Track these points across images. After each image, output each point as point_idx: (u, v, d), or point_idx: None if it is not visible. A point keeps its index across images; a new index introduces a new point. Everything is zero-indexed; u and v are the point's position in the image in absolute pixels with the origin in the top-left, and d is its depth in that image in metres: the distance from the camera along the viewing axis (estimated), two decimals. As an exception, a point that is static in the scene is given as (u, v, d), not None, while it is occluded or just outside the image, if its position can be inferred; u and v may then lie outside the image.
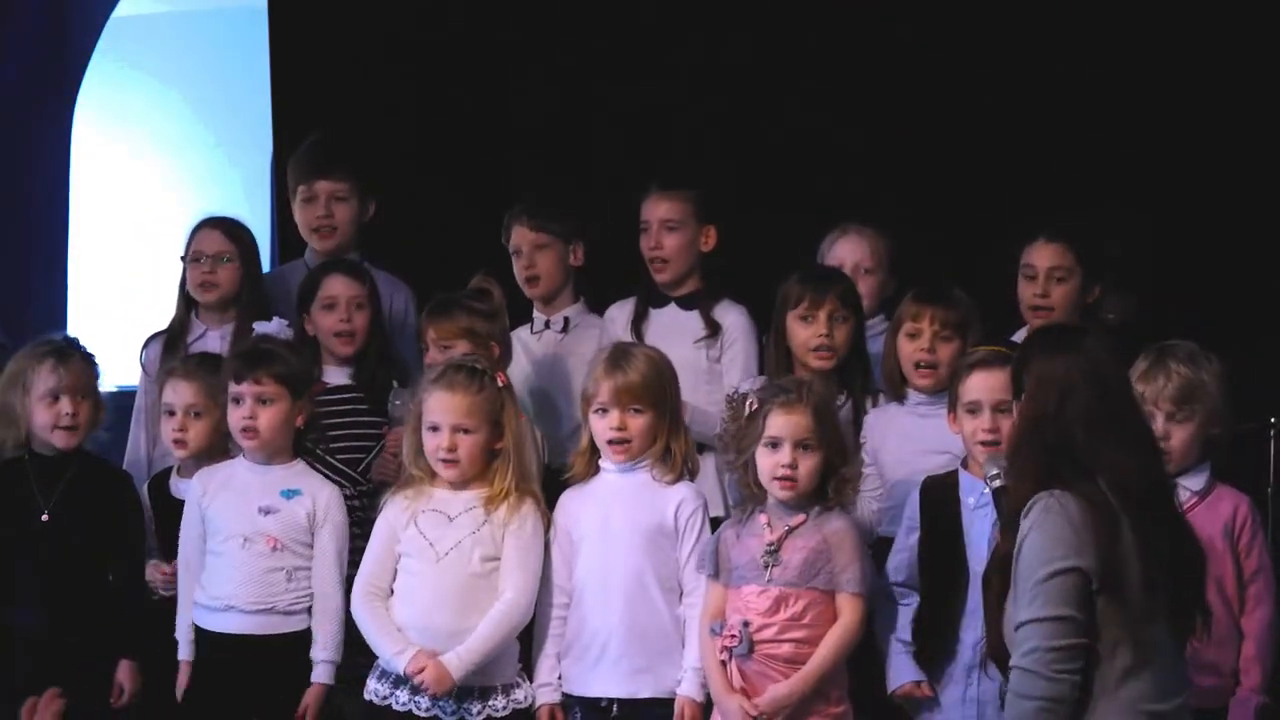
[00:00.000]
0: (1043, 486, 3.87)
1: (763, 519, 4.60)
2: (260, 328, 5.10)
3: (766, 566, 4.54)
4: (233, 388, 4.95)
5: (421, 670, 4.62)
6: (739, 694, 4.53)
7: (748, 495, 4.64)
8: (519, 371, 5.67)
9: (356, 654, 4.94)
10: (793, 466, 4.53)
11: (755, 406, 4.60)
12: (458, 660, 4.64)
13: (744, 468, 4.62)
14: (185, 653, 4.98)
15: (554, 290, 5.75)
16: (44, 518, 5.05)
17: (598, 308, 5.75)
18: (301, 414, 4.99)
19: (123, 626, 5.08)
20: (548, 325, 5.75)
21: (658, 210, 5.57)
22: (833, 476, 4.57)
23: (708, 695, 4.65)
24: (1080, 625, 3.79)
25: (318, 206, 5.75)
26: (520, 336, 5.73)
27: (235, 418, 4.95)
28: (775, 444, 4.54)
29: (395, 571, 4.78)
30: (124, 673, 5.08)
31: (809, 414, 4.54)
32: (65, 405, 5.06)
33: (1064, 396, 3.91)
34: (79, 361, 5.11)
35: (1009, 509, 3.97)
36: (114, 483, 5.20)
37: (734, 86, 6.54)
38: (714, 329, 5.50)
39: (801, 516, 4.57)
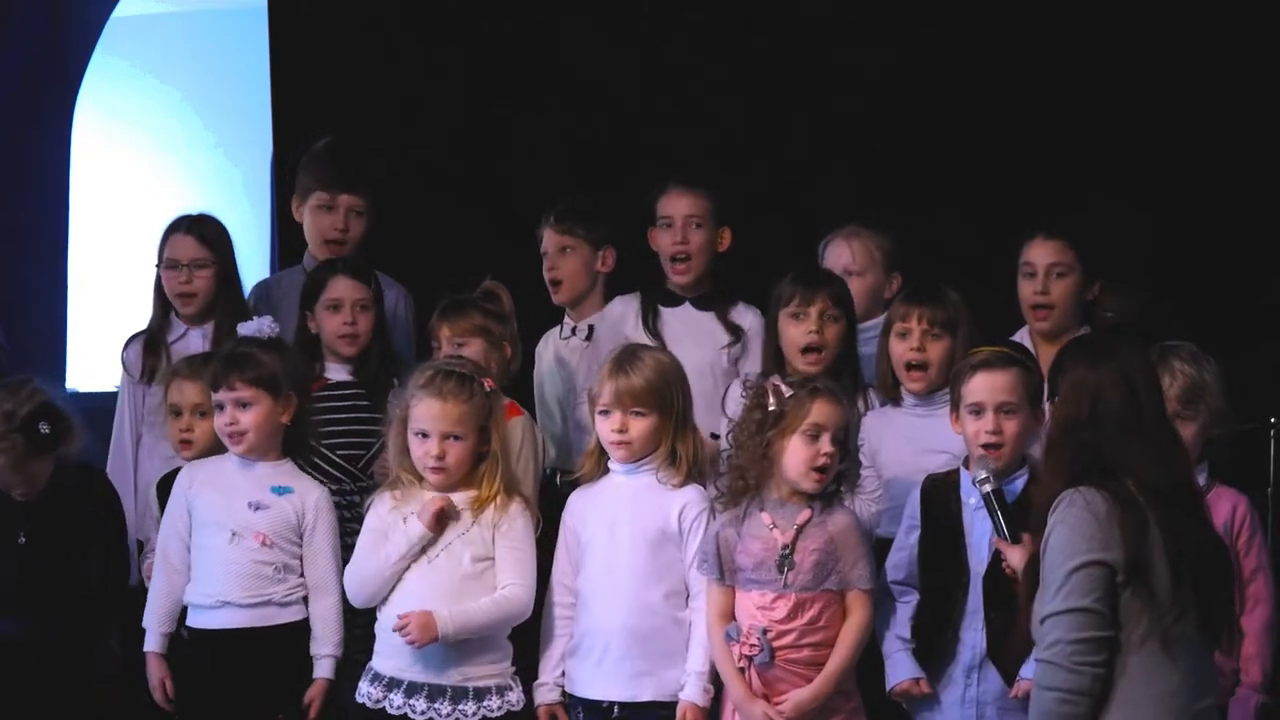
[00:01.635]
0: (1072, 485, 3.92)
1: (765, 518, 4.60)
2: (243, 329, 5.07)
3: (782, 570, 4.55)
4: (214, 395, 4.95)
5: (410, 624, 4.62)
6: (761, 700, 4.55)
7: (740, 488, 4.63)
8: (547, 372, 5.70)
9: (355, 651, 4.94)
10: (831, 456, 4.55)
11: (789, 394, 4.59)
12: (449, 616, 4.63)
13: (761, 458, 4.60)
14: (155, 644, 4.95)
15: (577, 295, 5.75)
16: (21, 540, 5.05)
17: None
18: (286, 412, 4.97)
19: (101, 616, 5.09)
20: (574, 332, 5.75)
21: (681, 205, 5.57)
22: (844, 473, 4.61)
23: (711, 698, 4.66)
24: (1104, 618, 3.82)
25: (336, 218, 5.75)
26: (552, 337, 5.76)
27: (219, 424, 4.95)
28: (817, 433, 4.55)
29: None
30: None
31: (847, 407, 4.58)
32: (19, 490, 5.06)
33: (1095, 401, 3.96)
34: (35, 458, 5.03)
35: (1038, 505, 4.02)
36: (90, 483, 5.18)
37: (734, 89, 6.54)
38: (736, 333, 5.51)
39: (807, 513, 4.58)
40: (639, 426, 4.74)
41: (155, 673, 4.94)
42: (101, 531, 5.15)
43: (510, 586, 4.72)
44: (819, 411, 4.56)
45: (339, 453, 5.25)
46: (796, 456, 4.56)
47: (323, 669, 4.88)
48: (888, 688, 4.73)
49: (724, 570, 4.62)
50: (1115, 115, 6.20)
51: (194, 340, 5.55)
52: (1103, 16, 6.22)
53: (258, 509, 4.91)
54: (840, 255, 5.61)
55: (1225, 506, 4.71)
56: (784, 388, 4.60)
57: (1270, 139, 6.10)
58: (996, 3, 6.36)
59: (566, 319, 5.80)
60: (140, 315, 5.81)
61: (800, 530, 4.57)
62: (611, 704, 4.74)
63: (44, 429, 5.04)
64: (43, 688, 5.01)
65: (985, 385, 4.63)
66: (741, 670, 4.57)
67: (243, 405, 4.91)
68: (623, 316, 5.60)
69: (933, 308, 5.05)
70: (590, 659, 4.76)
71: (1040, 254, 5.37)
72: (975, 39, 6.35)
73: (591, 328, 5.72)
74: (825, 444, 4.55)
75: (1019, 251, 5.43)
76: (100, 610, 5.12)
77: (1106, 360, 4.02)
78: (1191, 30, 6.15)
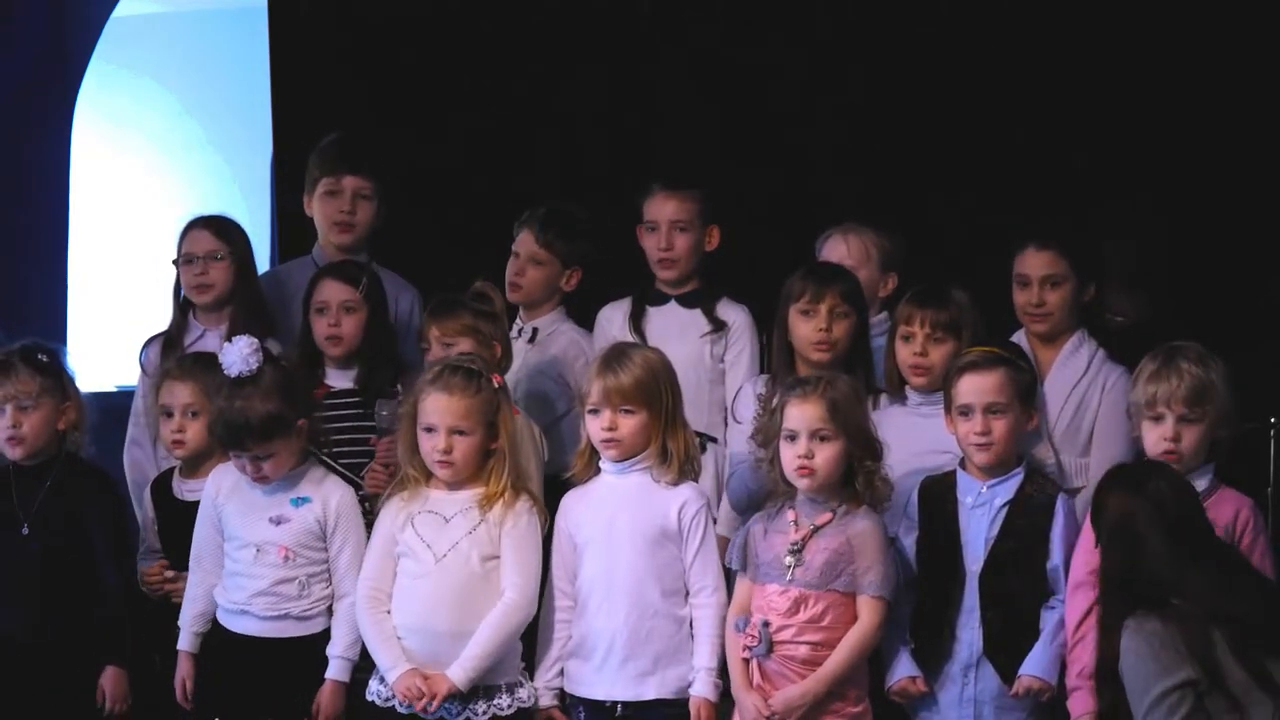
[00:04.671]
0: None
1: (790, 516, 4.65)
2: (229, 365, 4.91)
3: (789, 567, 4.58)
4: (230, 453, 4.93)
5: (408, 689, 4.63)
6: (757, 692, 4.58)
7: (778, 490, 4.67)
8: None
9: (363, 657, 4.91)
10: (809, 457, 4.57)
11: (776, 401, 4.64)
12: (459, 670, 4.65)
13: (771, 462, 4.66)
14: (185, 643, 4.97)
15: (533, 303, 5.75)
16: (24, 531, 5.06)
17: (578, 315, 5.73)
18: (300, 437, 4.95)
19: (109, 632, 5.06)
20: (519, 333, 5.72)
21: (665, 210, 5.56)
22: (859, 470, 4.60)
23: (721, 693, 4.68)
24: None
25: (342, 201, 5.73)
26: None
27: (237, 467, 4.94)
28: (793, 436, 4.60)
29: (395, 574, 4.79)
30: (108, 679, 5.05)
31: (822, 405, 4.58)
32: (6, 419, 5.07)
33: (1138, 545, 4.15)
34: (19, 371, 5.07)
35: (1104, 661, 4.25)
36: (98, 484, 5.17)
37: (733, 87, 6.54)
38: (719, 325, 5.51)
39: (828, 515, 4.61)
40: (628, 425, 4.74)
41: (181, 671, 4.96)
42: (111, 544, 5.11)
43: (507, 593, 4.72)
44: (790, 416, 4.61)
45: (342, 461, 5.22)
46: (783, 459, 4.62)
47: (333, 671, 4.88)
48: (885, 686, 4.75)
49: (748, 563, 4.67)
50: (1114, 116, 6.19)
51: (210, 342, 5.47)
52: (1102, 17, 6.21)
53: (279, 523, 4.91)
54: (836, 249, 5.61)
55: (1229, 510, 4.68)
56: (776, 394, 4.67)
57: (1269, 139, 6.09)
58: (995, 4, 6.36)
59: (519, 318, 5.78)
60: (141, 315, 5.81)
61: (817, 529, 4.60)
62: (615, 703, 4.75)
63: (41, 357, 5.08)
64: (48, 686, 5.02)
65: (972, 386, 4.71)
66: (746, 661, 4.60)
67: (263, 458, 4.90)
68: (610, 319, 5.61)
69: (935, 310, 5.05)
70: (593, 660, 4.76)
71: (1033, 265, 5.32)
72: (975, 40, 6.34)
73: (535, 330, 5.70)
74: (801, 445, 4.58)
75: (1013, 258, 5.41)
76: (106, 625, 5.09)
77: (1136, 496, 4.24)
78: (1190, 31, 6.14)
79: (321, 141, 5.91)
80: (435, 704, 4.63)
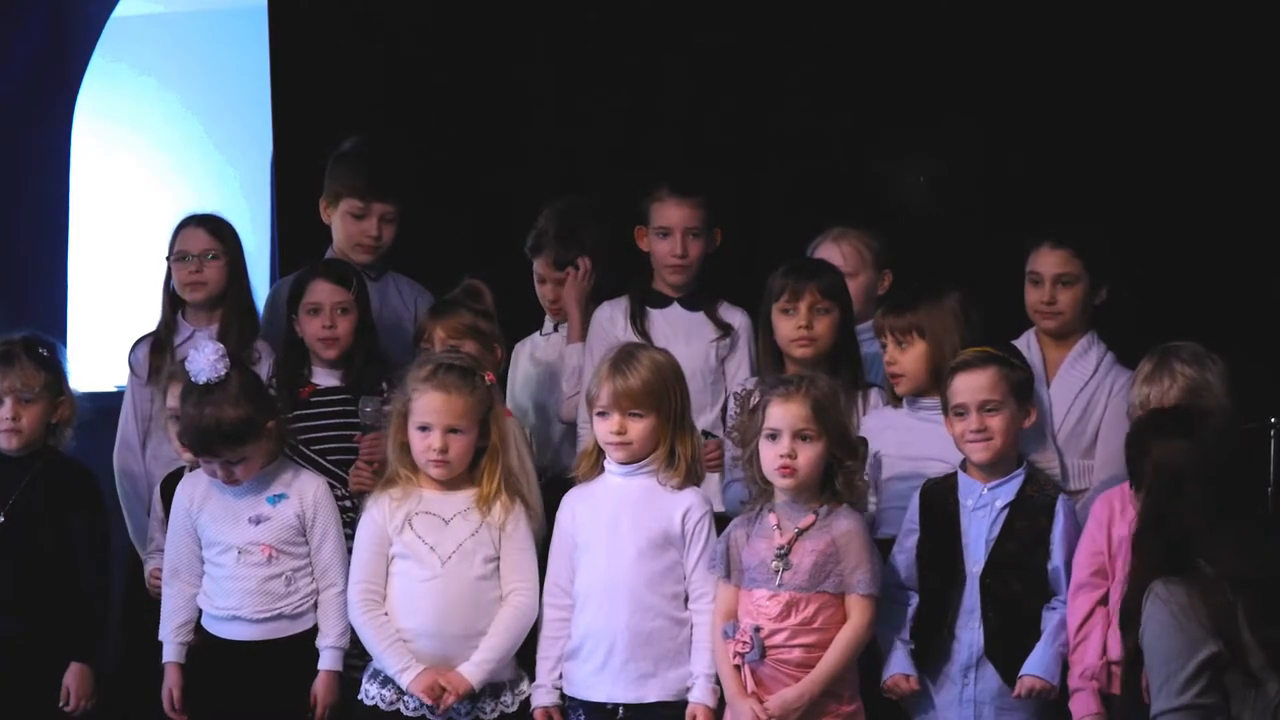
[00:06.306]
0: (1157, 575, 4.09)
1: (772, 520, 4.63)
2: (196, 373, 4.90)
3: (777, 571, 4.57)
4: (200, 460, 4.93)
5: (429, 688, 4.65)
6: (752, 697, 4.56)
7: (757, 492, 4.67)
8: (521, 377, 5.73)
9: (353, 657, 4.94)
10: (791, 456, 4.56)
11: (756, 400, 4.62)
12: (476, 670, 4.68)
13: (749, 462, 4.65)
14: (171, 654, 4.98)
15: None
16: (0, 519, 5.07)
17: None
18: (270, 438, 4.94)
19: (77, 629, 5.08)
20: (556, 328, 5.76)
21: (678, 215, 5.52)
22: (839, 470, 4.59)
23: (719, 699, 4.67)
24: (1211, 708, 3.98)
25: (369, 225, 5.74)
26: (527, 343, 5.80)
27: (207, 471, 4.94)
28: (774, 435, 4.59)
29: (387, 574, 4.79)
30: (72, 676, 5.07)
31: (806, 404, 4.58)
32: (6, 410, 5.09)
33: (1178, 489, 4.13)
34: (23, 363, 5.12)
35: (1130, 601, 4.16)
36: (82, 482, 5.19)
37: (731, 88, 6.54)
38: (725, 329, 5.51)
39: (810, 517, 4.60)
40: (637, 428, 4.74)
41: (169, 681, 4.97)
42: (88, 541, 5.13)
43: (516, 594, 4.76)
44: (773, 415, 4.60)
45: (330, 459, 5.25)
46: (763, 459, 4.61)
47: (326, 661, 4.90)
48: (881, 683, 4.76)
49: (731, 569, 4.65)
50: (1114, 115, 6.19)
51: (200, 341, 5.51)
52: (1102, 13, 6.21)
53: (259, 522, 4.93)
54: (830, 258, 5.59)
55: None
56: (756, 393, 4.66)
57: (1270, 139, 6.09)
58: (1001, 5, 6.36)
59: (549, 317, 5.80)
60: (140, 315, 5.80)
61: (801, 532, 4.59)
62: (616, 705, 4.74)
63: (42, 351, 5.13)
64: (20, 680, 5.04)
65: (966, 386, 4.75)
66: (737, 668, 4.59)
67: (234, 463, 4.90)
68: (611, 319, 5.58)
69: (896, 316, 5.08)
70: (593, 662, 4.75)
71: (1047, 263, 5.33)
72: (979, 37, 6.34)
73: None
74: (783, 444, 4.57)
75: (1025, 257, 5.41)
76: (75, 622, 5.10)
77: (1184, 438, 4.21)
78: (1194, 31, 6.14)
79: (342, 147, 5.90)
80: (450, 700, 4.65)
